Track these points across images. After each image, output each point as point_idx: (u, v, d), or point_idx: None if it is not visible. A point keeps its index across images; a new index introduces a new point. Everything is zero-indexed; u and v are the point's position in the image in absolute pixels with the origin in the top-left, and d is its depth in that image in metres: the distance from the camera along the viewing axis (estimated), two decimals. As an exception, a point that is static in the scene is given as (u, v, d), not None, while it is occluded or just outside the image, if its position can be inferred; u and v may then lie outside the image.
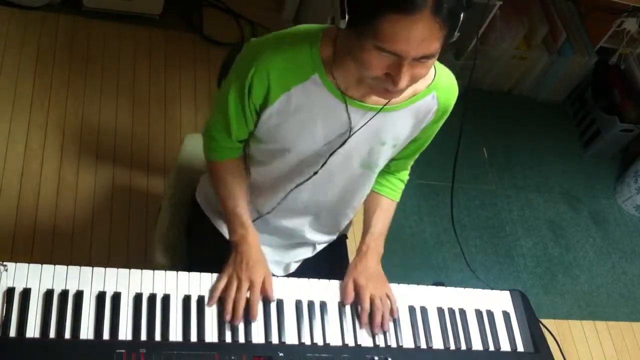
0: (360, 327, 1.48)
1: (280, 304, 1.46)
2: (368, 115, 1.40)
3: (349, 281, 1.53)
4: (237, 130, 1.48)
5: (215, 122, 1.52)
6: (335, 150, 1.45)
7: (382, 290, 1.53)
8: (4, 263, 1.34)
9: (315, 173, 1.50)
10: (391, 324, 1.51)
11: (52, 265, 1.37)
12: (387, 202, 1.67)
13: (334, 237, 1.79)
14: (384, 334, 1.49)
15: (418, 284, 1.59)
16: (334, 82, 1.36)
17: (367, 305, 1.49)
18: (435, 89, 1.42)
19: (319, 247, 1.78)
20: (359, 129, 1.42)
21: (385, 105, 1.38)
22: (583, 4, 3.55)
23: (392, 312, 1.52)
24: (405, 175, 1.70)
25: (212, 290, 1.43)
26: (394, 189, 1.68)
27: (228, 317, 1.40)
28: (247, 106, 1.41)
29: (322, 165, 1.49)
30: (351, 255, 1.89)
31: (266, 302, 1.46)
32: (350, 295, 1.51)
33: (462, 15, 1.16)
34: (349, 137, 1.43)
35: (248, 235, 1.52)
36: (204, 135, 1.59)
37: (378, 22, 1.13)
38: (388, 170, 1.66)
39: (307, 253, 1.77)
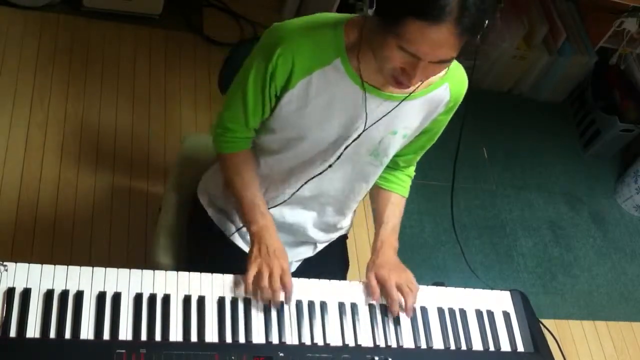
0: (393, 316, 1.50)
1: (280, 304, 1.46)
2: (384, 104, 1.41)
3: (372, 277, 1.54)
4: (253, 115, 1.48)
5: (230, 112, 1.51)
6: (352, 141, 1.46)
7: (405, 277, 1.55)
8: (4, 263, 1.34)
9: (330, 166, 1.52)
10: (391, 324, 1.51)
11: (52, 266, 1.37)
12: (396, 197, 1.69)
13: (335, 236, 1.79)
14: (396, 330, 1.50)
15: (418, 284, 1.59)
16: (355, 68, 1.37)
17: (395, 295, 1.51)
18: (448, 80, 1.45)
19: (320, 247, 1.78)
20: (376, 121, 1.43)
21: (407, 96, 1.40)
22: (583, 4, 3.55)
23: (406, 305, 1.54)
24: (411, 171, 1.71)
25: (245, 281, 1.44)
26: (402, 185, 1.69)
27: (276, 304, 1.43)
28: (268, 88, 1.42)
29: (338, 159, 1.50)
30: (351, 255, 1.90)
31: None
32: (376, 290, 1.53)
33: (486, 23, 1.21)
34: (366, 128, 1.44)
35: (269, 224, 1.53)
36: (217, 129, 1.57)
37: (403, 24, 1.18)
38: (396, 166, 1.67)
39: (308, 252, 1.77)
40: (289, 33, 1.38)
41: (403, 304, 1.52)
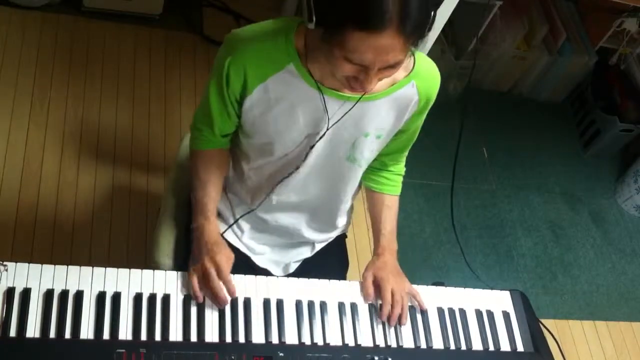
0: (381, 319, 1.50)
1: (280, 304, 1.46)
2: (346, 105, 1.41)
3: (369, 276, 1.55)
4: (219, 122, 1.50)
5: (200, 114, 1.54)
6: (316, 142, 1.46)
7: (402, 285, 1.54)
8: (4, 263, 1.34)
9: (299, 166, 1.51)
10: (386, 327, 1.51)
11: (52, 265, 1.37)
12: (390, 198, 1.68)
13: (332, 235, 1.79)
14: (396, 330, 1.50)
15: (418, 284, 1.60)
16: (310, 71, 1.37)
17: (389, 296, 1.51)
18: (414, 77, 1.43)
19: (318, 247, 1.78)
20: (338, 120, 1.42)
21: (362, 95, 1.39)
22: (583, 4, 3.55)
23: (420, 307, 1.55)
24: (401, 168, 1.70)
25: (192, 290, 1.42)
26: (394, 184, 1.69)
27: (222, 304, 1.41)
28: (227, 96, 1.43)
29: (305, 158, 1.49)
30: (351, 255, 1.90)
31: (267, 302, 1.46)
32: (371, 290, 1.53)
33: (432, 14, 1.19)
34: (328, 128, 1.43)
35: (207, 224, 1.52)
36: (191, 126, 1.60)
37: (344, 35, 1.16)
38: (384, 167, 1.67)
39: (306, 253, 1.77)
40: (239, 42, 1.38)
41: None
